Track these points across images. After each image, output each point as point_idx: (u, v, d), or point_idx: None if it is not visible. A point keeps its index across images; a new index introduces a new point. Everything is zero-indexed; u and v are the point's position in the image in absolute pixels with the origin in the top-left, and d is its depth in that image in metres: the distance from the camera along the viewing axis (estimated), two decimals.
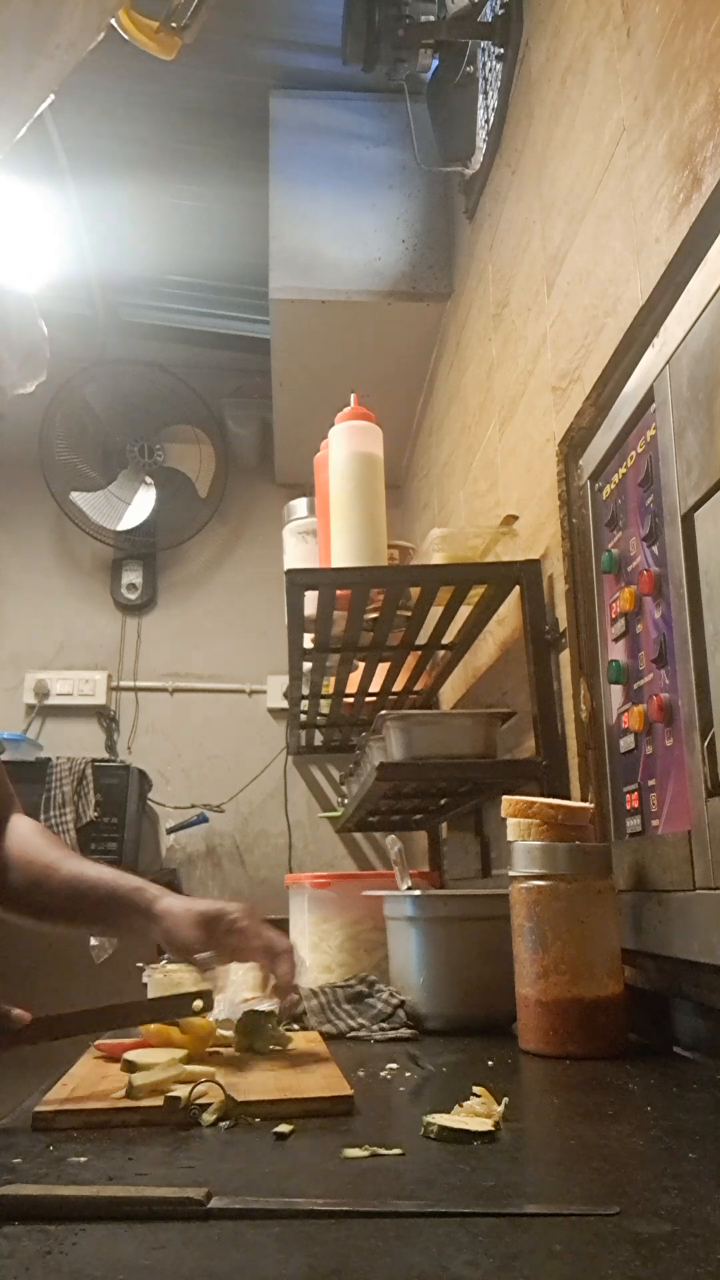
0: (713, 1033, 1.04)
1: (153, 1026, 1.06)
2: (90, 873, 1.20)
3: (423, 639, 1.89)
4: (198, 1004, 1.00)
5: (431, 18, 2.01)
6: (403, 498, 3.32)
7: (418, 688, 2.23)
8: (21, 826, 1.28)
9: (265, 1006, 1.18)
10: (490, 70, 1.99)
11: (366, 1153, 0.70)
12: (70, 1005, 0.99)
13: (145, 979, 1.35)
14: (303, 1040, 1.16)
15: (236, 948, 1.11)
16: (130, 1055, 0.97)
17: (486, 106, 2.02)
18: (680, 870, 1.04)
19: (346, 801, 2.32)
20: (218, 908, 1.11)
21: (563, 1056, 1.05)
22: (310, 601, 1.68)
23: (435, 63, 2.15)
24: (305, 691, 2.23)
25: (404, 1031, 1.24)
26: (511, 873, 1.14)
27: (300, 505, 1.95)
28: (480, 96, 2.07)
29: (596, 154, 1.35)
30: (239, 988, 1.40)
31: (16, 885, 1.21)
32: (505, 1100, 0.80)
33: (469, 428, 2.26)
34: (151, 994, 1.29)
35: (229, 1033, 1.12)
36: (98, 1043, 1.11)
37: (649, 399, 1.14)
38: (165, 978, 1.30)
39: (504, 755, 1.72)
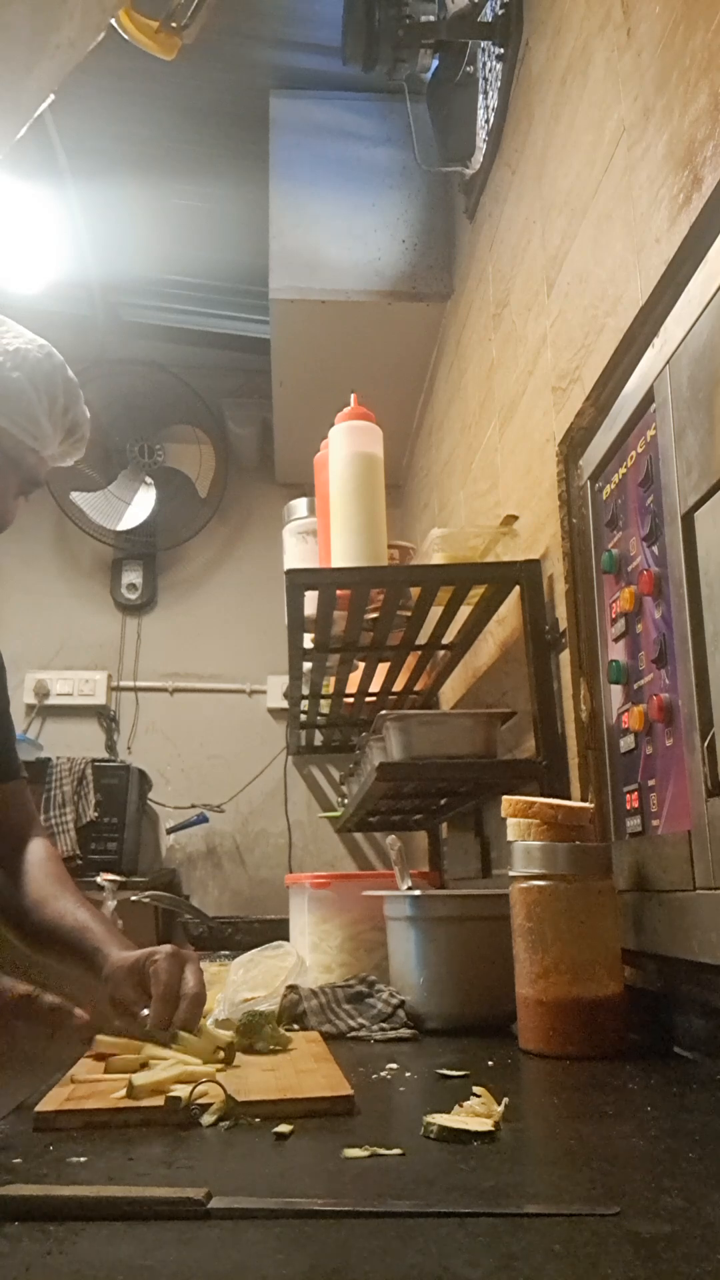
0: (713, 1033, 1.04)
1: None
2: (68, 919, 1.21)
3: (423, 639, 1.89)
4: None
5: (431, 18, 2.01)
6: (403, 498, 3.32)
7: (418, 688, 2.23)
8: (36, 850, 1.31)
9: (265, 1006, 1.17)
10: (490, 70, 1.98)
11: (366, 1153, 0.70)
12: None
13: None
14: (303, 1040, 1.16)
15: (152, 989, 1.08)
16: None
17: (486, 106, 2.02)
18: (680, 870, 1.04)
19: (346, 801, 2.32)
20: (146, 951, 1.10)
21: (563, 1056, 1.05)
22: (310, 601, 1.68)
23: (435, 63, 2.15)
24: (305, 691, 2.23)
25: (404, 1031, 1.24)
26: (511, 873, 1.14)
27: (300, 505, 1.95)
28: (480, 96, 2.07)
29: (596, 154, 1.35)
30: (239, 988, 1.40)
31: (17, 907, 1.24)
32: (505, 1100, 0.80)
33: (469, 428, 2.26)
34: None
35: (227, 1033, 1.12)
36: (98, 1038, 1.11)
37: (649, 399, 1.14)
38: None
39: (504, 755, 1.71)
